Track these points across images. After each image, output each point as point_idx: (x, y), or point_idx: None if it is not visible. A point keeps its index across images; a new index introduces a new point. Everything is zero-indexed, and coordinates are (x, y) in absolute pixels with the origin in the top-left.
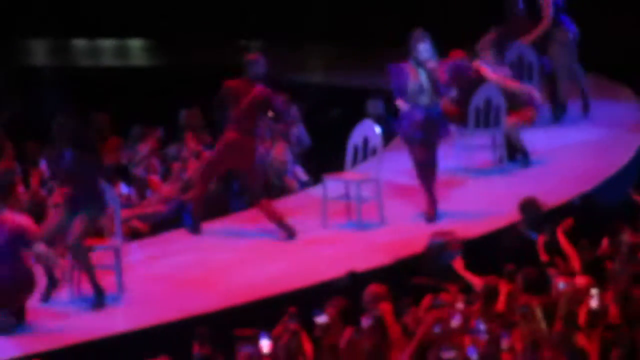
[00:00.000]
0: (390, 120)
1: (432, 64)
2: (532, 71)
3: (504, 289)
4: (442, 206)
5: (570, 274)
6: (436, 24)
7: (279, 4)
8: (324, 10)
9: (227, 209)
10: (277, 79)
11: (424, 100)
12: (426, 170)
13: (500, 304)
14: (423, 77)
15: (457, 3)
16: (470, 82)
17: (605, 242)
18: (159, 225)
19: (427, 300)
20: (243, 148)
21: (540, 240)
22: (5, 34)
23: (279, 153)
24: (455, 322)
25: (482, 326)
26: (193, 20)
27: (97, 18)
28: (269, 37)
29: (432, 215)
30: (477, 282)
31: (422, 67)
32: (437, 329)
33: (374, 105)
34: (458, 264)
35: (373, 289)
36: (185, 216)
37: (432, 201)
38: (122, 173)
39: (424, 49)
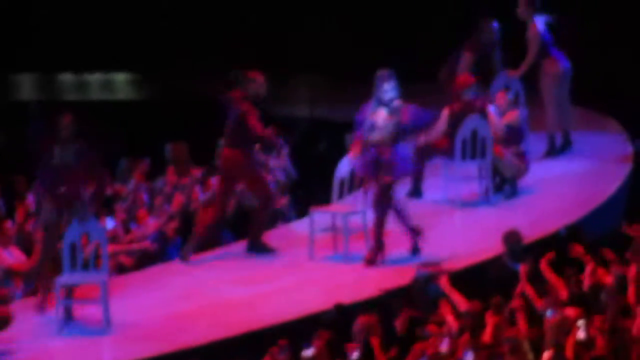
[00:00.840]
0: None
1: (397, 103)
2: (519, 100)
3: (490, 320)
4: (429, 237)
5: (558, 304)
6: (424, 58)
7: (264, 37)
8: (309, 42)
9: (218, 242)
10: (264, 111)
11: (375, 137)
12: (376, 211)
13: (487, 336)
14: (381, 116)
15: (445, 38)
16: (459, 114)
17: (589, 273)
18: (145, 259)
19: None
20: (236, 160)
21: (522, 270)
22: None
23: None
24: (443, 351)
25: (470, 356)
26: (178, 53)
27: (83, 53)
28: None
29: (371, 259)
30: (461, 301)
31: (385, 105)
32: None
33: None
34: (444, 282)
35: (363, 319)
36: (169, 250)
37: (376, 246)
38: (108, 207)
39: (389, 88)
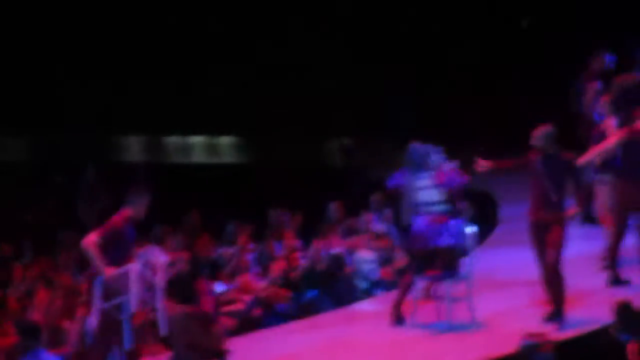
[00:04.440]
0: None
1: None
2: None
3: None
4: (533, 306)
5: None
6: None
7: (363, 103)
8: (409, 108)
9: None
10: (365, 175)
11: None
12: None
13: None
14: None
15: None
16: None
17: None
18: (247, 323)
19: None
20: None
21: (630, 348)
22: (101, 130)
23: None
24: None
25: None
26: (282, 118)
27: (188, 116)
28: (358, 135)
29: (398, 318)
30: None
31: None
32: None
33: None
34: None
35: None
36: (271, 315)
37: (396, 305)
38: (214, 269)
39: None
